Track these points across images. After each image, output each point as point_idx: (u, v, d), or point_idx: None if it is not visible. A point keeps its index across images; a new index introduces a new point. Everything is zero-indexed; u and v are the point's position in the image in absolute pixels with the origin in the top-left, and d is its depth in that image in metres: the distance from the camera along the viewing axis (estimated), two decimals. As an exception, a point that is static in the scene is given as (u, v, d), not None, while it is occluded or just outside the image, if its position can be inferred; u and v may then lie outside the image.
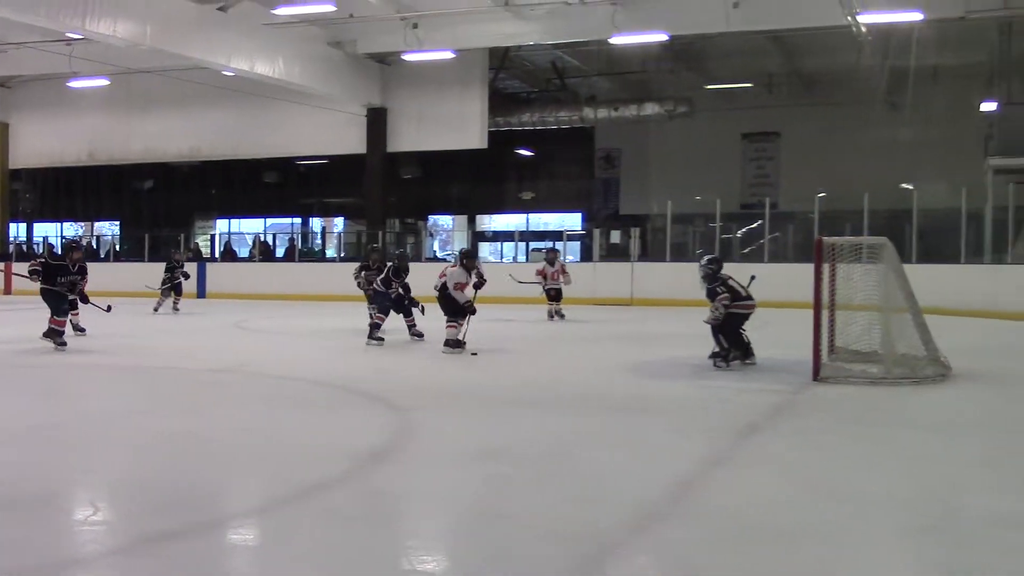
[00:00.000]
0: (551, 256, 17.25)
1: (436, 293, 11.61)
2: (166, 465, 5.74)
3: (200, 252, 30.52)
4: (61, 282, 11.67)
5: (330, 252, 32.56)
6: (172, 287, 18.57)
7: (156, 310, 18.22)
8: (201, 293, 24.30)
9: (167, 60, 20.90)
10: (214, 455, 6.06)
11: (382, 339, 12.29)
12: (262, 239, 30.98)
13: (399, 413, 7.43)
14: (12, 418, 7.33)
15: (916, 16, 18.19)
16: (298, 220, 36.40)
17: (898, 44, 20.77)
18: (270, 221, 36.32)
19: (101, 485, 5.39)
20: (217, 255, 29.52)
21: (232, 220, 36.28)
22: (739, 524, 4.44)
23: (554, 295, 16.75)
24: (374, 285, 12.85)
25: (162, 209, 34.84)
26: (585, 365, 10.67)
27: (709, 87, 28.01)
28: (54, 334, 11.54)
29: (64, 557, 4.10)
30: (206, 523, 4.58)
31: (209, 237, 34.04)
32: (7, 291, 25.10)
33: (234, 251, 30.05)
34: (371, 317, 12.69)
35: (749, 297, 9.93)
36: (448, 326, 11.45)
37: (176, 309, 18.57)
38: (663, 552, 4.16)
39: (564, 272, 16.93)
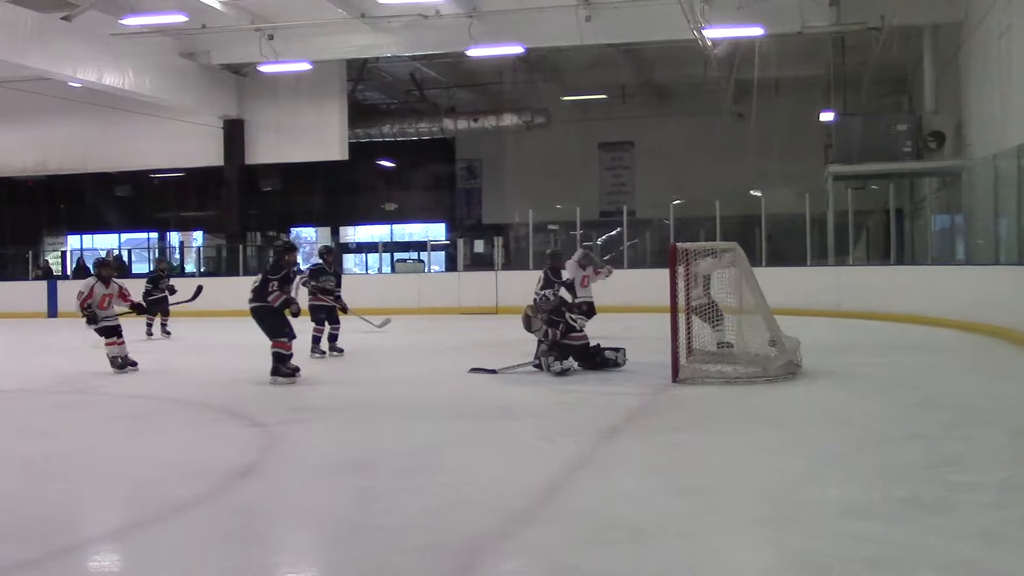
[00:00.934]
0: (589, 257, 14.20)
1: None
2: (20, 490, 5.56)
3: (50, 270, 29.26)
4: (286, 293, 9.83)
5: (189, 267, 31.71)
6: (157, 303, 15.58)
7: (150, 335, 15.54)
8: (52, 312, 23.27)
9: (8, 71, 20.00)
10: (73, 478, 5.90)
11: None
12: (116, 254, 29.93)
13: (263, 428, 7.36)
14: None
15: (757, 31, 19.01)
16: (155, 234, 35.33)
17: (742, 57, 21.68)
18: (125, 236, 35.15)
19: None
20: (69, 272, 28.34)
21: (84, 236, 34.91)
22: (604, 524, 4.58)
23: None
24: (535, 296, 10.77)
25: (7, 225, 33.26)
26: (451, 373, 10.73)
27: (565, 98, 28.60)
28: (282, 359, 9.78)
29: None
30: (65, 549, 4.46)
31: (60, 254, 32.67)
32: None
33: (87, 268, 28.91)
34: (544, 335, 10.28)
35: (581, 330, 10.31)
36: None
37: (166, 332, 15.78)
38: (532, 556, 4.26)
39: (598, 270, 14.05)
